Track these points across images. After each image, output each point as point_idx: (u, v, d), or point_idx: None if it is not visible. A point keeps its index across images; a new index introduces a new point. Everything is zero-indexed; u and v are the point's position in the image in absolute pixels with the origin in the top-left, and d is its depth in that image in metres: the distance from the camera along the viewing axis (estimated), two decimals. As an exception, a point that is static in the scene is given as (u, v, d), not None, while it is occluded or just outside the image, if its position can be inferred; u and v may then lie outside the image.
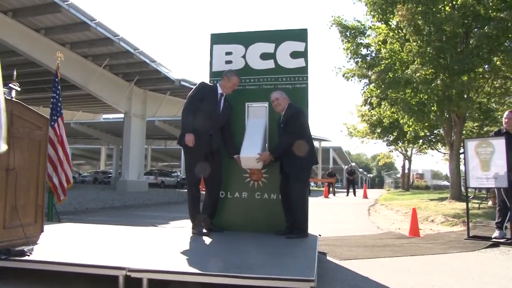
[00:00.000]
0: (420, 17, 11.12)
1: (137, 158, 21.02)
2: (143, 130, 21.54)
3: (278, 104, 4.64)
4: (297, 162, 4.43)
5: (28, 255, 3.15)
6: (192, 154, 4.53)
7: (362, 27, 14.33)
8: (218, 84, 4.75)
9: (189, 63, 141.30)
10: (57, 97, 7.41)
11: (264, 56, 5.12)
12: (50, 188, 6.44)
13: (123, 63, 18.21)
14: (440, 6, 12.11)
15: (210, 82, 5.05)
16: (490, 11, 11.34)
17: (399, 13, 11.38)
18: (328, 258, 4.67)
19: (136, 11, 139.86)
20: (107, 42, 15.87)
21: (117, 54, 17.12)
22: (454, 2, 12.19)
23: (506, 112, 6.63)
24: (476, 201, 10.63)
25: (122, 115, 22.02)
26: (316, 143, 39.80)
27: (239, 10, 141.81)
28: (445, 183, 42.03)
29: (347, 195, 24.21)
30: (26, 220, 3.60)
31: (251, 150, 4.54)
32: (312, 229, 4.69)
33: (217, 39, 5.30)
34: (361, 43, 14.23)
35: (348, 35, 13.88)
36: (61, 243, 4.01)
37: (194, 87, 4.81)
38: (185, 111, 4.55)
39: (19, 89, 3.80)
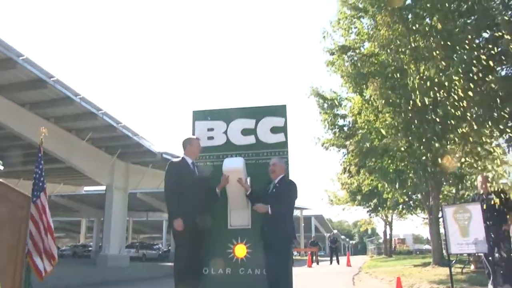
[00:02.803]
0: (389, 91, 11.79)
1: (118, 232, 20.53)
2: (125, 203, 21.27)
3: (273, 171, 4.76)
4: (281, 235, 4.50)
5: None
6: (184, 236, 4.47)
7: (339, 97, 14.97)
8: (184, 155, 4.82)
9: (171, 136, 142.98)
10: (40, 172, 7.43)
11: (245, 132, 5.29)
12: (28, 265, 6.27)
13: (106, 136, 18.36)
14: (408, 78, 12.90)
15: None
16: (454, 82, 12.11)
17: (371, 86, 12.04)
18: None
19: (119, 85, 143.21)
20: (90, 116, 16.10)
21: (100, 128, 17.31)
22: (421, 74, 12.99)
23: (479, 177, 6.93)
24: (459, 265, 10.65)
25: (103, 188, 21.77)
26: (297, 212, 39.70)
27: (221, 87, 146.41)
28: (427, 246, 41.91)
29: (331, 263, 23.83)
30: (2, 302, 3.53)
31: (234, 162, 4.78)
32: (297, 303, 4.65)
33: (199, 115, 5.48)
34: (338, 114, 14.79)
35: (326, 106, 14.45)
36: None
37: (176, 159, 4.90)
38: (168, 198, 4.59)
39: (2, 167, 3.90)
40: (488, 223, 6.56)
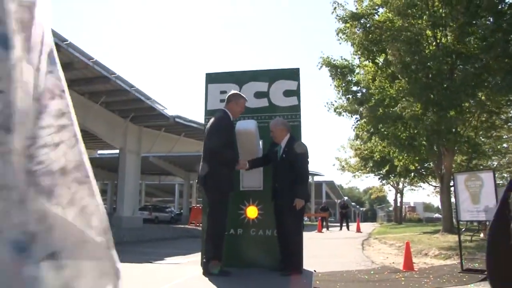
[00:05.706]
0: (407, 56, 11.56)
1: (131, 194, 20.96)
2: (137, 166, 21.58)
3: (274, 137, 4.69)
4: (293, 197, 4.47)
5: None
6: (226, 189, 4.38)
7: (351, 65, 14.74)
8: (227, 111, 4.55)
9: (183, 100, 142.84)
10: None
11: (258, 95, 5.25)
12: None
13: (119, 100, 18.44)
14: (424, 45, 12.62)
15: (205, 121, 5.17)
16: (472, 50, 11.83)
17: (390, 51, 11.80)
18: (323, 293, 4.69)
19: (133, 49, 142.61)
20: (104, 80, 16.13)
21: (113, 92, 17.37)
22: (438, 41, 12.69)
23: None
24: (468, 233, 10.70)
25: (117, 151, 22.05)
26: (309, 178, 39.94)
27: (234, 51, 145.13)
28: (437, 215, 42.13)
29: (341, 229, 24.08)
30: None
31: (247, 124, 4.73)
32: (306, 264, 4.70)
33: (212, 78, 5.46)
34: (351, 80, 14.59)
35: (338, 73, 14.23)
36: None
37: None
38: (222, 146, 4.32)
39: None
40: None
